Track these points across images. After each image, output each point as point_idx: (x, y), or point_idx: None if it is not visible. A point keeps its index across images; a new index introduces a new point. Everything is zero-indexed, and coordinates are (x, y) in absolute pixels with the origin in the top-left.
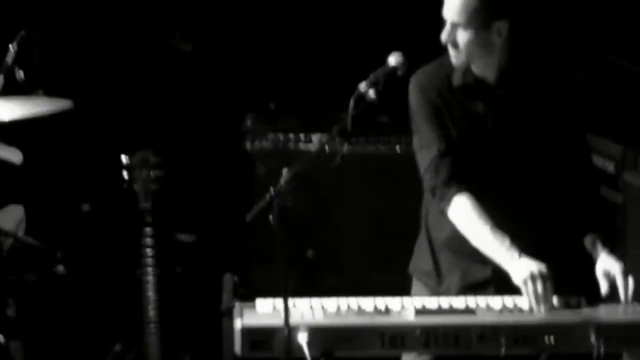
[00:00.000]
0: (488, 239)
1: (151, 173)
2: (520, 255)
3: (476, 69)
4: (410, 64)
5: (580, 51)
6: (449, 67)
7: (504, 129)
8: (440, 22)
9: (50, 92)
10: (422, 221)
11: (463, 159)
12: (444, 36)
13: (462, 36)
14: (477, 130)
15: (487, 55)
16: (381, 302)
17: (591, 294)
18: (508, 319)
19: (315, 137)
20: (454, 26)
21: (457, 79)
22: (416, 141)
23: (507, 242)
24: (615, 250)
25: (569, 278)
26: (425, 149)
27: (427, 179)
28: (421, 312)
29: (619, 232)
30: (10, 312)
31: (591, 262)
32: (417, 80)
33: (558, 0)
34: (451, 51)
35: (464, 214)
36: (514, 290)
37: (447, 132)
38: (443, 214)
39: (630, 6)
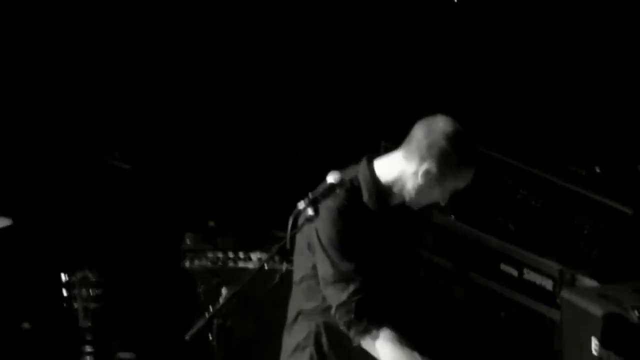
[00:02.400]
0: None
1: (91, 291)
2: None
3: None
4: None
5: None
6: (357, 197)
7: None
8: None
9: None
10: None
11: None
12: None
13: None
14: (376, 252)
15: None
16: None
17: None
18: None
19: (255, 256)
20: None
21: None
22: (327, 272)
23: None
24: None
25: None
26: (339, 282)
27: (343, 314)
28: None
29: (556, 350)
30: None
31: None
32: (334, 214)
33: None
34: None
35: (390, 347)
36: None
37: (360, 264)
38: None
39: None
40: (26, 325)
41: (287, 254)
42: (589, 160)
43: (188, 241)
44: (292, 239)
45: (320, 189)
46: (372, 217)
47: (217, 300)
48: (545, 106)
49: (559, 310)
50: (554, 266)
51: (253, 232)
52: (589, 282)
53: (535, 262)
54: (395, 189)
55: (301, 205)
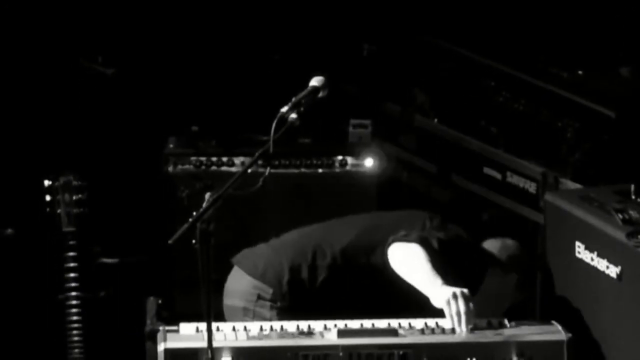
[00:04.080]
0: (423, 272)
1: (74, 197)
2: (442, 283)
3: None
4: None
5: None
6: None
7: None
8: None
9: None
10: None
11: None
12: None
13: None
14: None
15: None
16: (304, 323)
17: (513, 314)
18: (430, 339)
19: (238, 161)
20: None
21: None
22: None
23: (439, 278)
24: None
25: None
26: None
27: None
28: (344, 333)
29: (539, 252)
30: None
31: None
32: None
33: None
34: None
35: (417, 253)
36: None
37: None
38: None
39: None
40: (9, 231)
41: (270, 158)
42: (571, 63)
43: (171, 145)
44: (275, 142)
45: (303, 93)
46: None
47: (200, 204)
48: (527, 7)
49: (542, 214)
50: (537, 169)
51: (236, 136)
52: (572, 185)
53: (518, 165)
54: None
55: (284, 110)
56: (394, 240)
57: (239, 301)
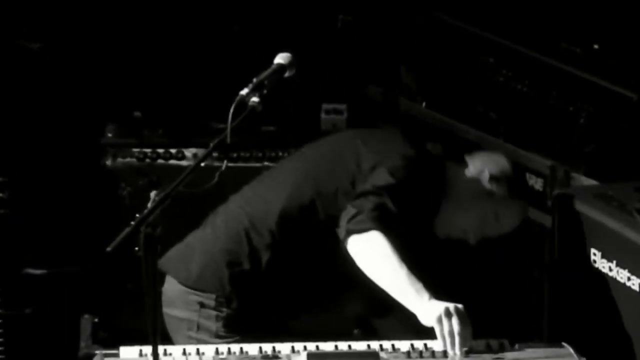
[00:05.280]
0: (398, 280)
1: None
2: (430, 298)
3: None
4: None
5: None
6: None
7: None
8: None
9: None
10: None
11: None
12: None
13: None
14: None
15: None
16: (268, 346)
17: (515, 335)
18: None
19: (189, 153)
20: None
21: None
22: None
23: (418, 285)
24: None
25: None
26: (374, 195)
27: (354, 205)
28: (315, 357)
29: (546, 261)
30: None
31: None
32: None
33: None
34: None
35: (379, 251)
36: None
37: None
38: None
39: None
40: None
41: (227, 150)
42: (585, 36)
43: (109, 134)
44: (234, 131)
45: (266, 72)
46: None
47: (145, 204)
48: None
49: (550, 215)
50: (544, 162)
51: (187, 124)
52: (585, 181)
53: (522, 157)
54: None
55: (244, 92)
56: (348, 233)
57: (179, 312)
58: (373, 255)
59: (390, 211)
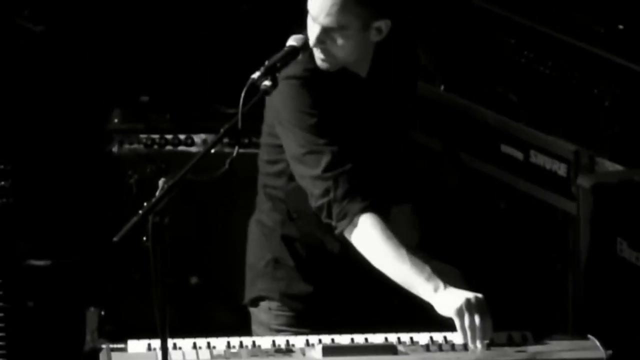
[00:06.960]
0: (405, 267)
1: None
2: (445, 286)
3: (350, 65)
4: None
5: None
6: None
7: (375, 121)
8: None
9: None
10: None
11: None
12: (314, 40)
13: (340, 40)
14: (356, 126)
15: (364, 53)
16: (281, 338)
17: (539, 327)
18: (437, 357)
19: (198, 139)
20: (328, 30)
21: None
22: (295, 149)
23: (427, 270)
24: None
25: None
26: (312, 154)
27: (320, 194)
28: (330, 350)
29: (570, 250)
30: None
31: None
32: (296, 82)
33: None
34: (320, 54)
35: (373, 239)
36: None
37: (335, 135)
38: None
39: None
40: None
41: (238, 135)
42: (609, 16)
43: (116, 120)
44: (245, 116)
45: (279, 55)
46: (346, 85)
47: (153, 192)
48: None
49: (574, 202)
50: (568, 147)
51: (196, 109)
52: (611, 166)
53: (544, 141)
54: None
55: (256, 76)
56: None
57: None
58: (370, 250)
59: (344, 173)
